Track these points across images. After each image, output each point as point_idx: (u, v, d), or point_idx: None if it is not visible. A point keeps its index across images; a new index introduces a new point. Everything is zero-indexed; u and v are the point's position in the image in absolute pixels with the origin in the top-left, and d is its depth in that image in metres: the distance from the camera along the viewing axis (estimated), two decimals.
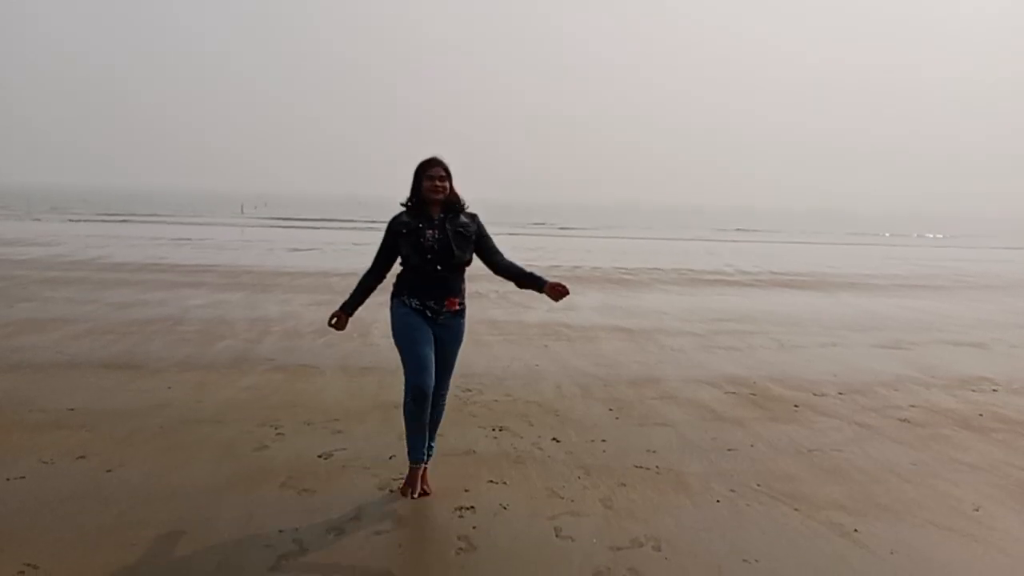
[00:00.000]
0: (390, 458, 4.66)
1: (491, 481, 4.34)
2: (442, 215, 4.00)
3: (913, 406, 6.25)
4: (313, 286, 13.71)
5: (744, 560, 3.46)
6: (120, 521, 3.70)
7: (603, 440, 5.16)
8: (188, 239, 25.70)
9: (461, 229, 4.00)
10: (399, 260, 4.03)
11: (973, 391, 6.83)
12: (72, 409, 5.55)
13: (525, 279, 4.17)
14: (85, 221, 36.20)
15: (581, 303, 12.07)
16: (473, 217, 4.10)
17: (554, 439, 5.14)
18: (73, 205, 56.31)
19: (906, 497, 4.28)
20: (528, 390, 6.42)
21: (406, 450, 4.10)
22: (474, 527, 3.72)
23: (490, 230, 4.24)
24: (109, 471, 4.35)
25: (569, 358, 7.90)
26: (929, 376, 7.40)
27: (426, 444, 4.11)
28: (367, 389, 6.38)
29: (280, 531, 3.62)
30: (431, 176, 3.95)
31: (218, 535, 3.58)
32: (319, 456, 4.70)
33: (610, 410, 5.93)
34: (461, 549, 3.49)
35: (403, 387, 3.97)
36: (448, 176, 4.00)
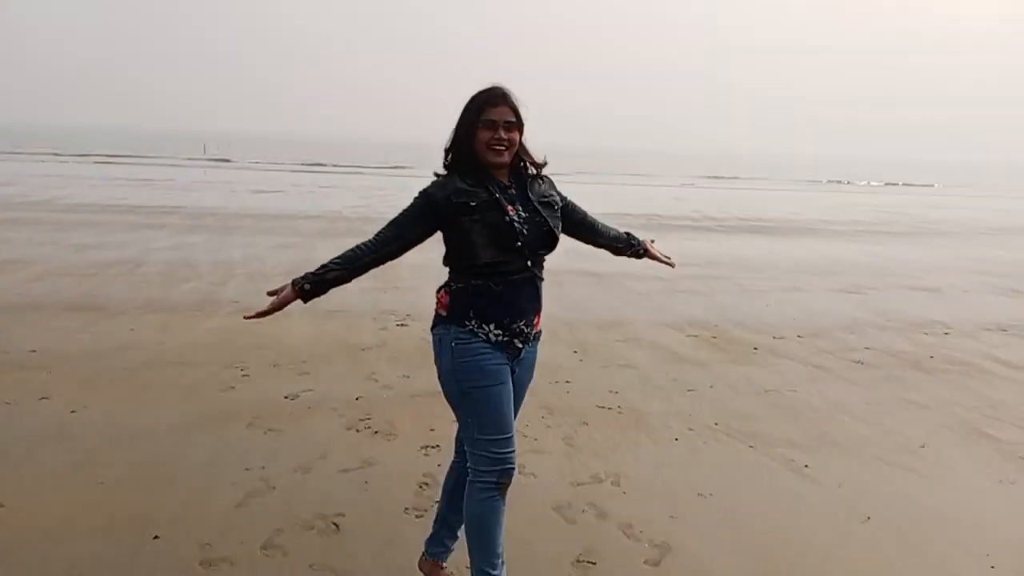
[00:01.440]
0: (357, 399, 4.71)
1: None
2: (511, 181, 2.52)
3: (868, 348, 6.44)
4: (279, 228, 13.55)
5: (699, 494, 3.59)
6: (85, 461, 3.72)
7: (567, 381, 5.26)
8: (149, 180, 25.12)
9: (547, 199, 2.56)
10: (449, 257, 2.49)
11: (926, 334, 7.04)
12: (34, 351, 5.50)
13: (632, 246, 2.95)
14: (39, 161, 35.10)
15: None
16: (548, 180, 2.65)
17: None
18: (22, 143, 54.28)
19: (856, 435, 4.44)
20: None
21: (427, 549, 2.83)
22: (439, 465, 3.80)
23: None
24: (73, 412, 4.35)
25: None
26: (884, 319, 7.61)
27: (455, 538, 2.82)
28: (334, 332, 6.39)
29: (247, 469, 3.67)
30: (491, 122, 2.41)
31: (184, 474, 3.62)
32: (286, 397, 4.73)
33: (575, 352, 6.03)
34: (425, 484, 3.57)
35: (455, 447, 2.88)
36: (519, 122, 2.46)
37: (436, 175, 2.52)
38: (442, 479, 3.60)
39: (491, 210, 2.39)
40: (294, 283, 2.39)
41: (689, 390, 5.18)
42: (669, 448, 4.16)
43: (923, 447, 4.28)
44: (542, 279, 2.55)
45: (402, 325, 6.75)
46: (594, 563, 2.95)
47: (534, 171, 2.57)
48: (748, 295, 8.81)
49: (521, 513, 3.31)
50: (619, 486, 3.64)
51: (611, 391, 5.09)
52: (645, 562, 2.98)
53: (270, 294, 2.43)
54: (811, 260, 11.91)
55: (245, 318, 2.46)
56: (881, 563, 3.04)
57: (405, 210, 2.49)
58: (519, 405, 2.62)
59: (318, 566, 2.88)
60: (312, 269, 2.42)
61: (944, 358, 6.20)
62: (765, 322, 7.34)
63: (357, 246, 2.49)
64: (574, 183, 27.00)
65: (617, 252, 2.94)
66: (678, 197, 27.35)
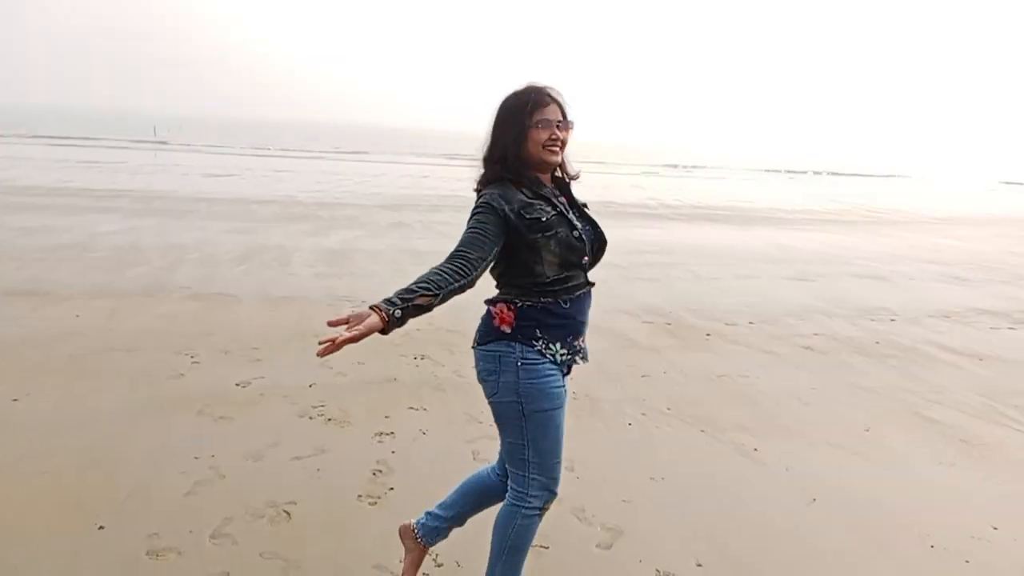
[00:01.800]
0: (310, 386, 4.66)
1: (411, 408, 4.41)
2: (557, 189, 2.38)
3: (817, 334, 6.59)
4: (231, 213, 13.30)
5: (651, 478, 3.65)
6: (29, 450, 3.62)
7: None
8: (97, 162, 24.41)
9: (585, 205, 2.47)
10: (510, 272, 2.28)
11: (872, 320, 7.23)
12: None
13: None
14: None
15: None
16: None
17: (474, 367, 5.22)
18: None
19: (804, 419, 4.55)
20: (451, 320, 6.46)
21: (421, 529, 2.60)
22: (393, 451, 3.79)
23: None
24: (16, 400, 4.22)
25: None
26: (833, 306, 7.79)
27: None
28: (287, 318, 6.31)
29: (196, 458, 3.61)
30: (547, 121, 2.24)
31: (131, 463, 3.54)
32: (237, 384, 4.66)
33: None
34: (379, 471, 3.56)
35: (500, 474, 2.57)
36: (567, 121, 2.31)
37: (479, 190, 2.28)
38: (396, 465, 3.64)
39: (562, 225, 2.25)
40: (378, 308, 1.97)
41: (643, 376, 5.24)
42: (623, 433, 4.21)
43: (867, 431, 4.40)
44: None
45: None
46: (547, 547, 2.97)
47: (566, 179, 2.41)
48: (702, 282, 8.93)
49: None
50: (573, 471, 3.67)
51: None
52: (597, 546, 3.02)
53: (333, 324, 1.94)
54: (763, 248, 12.12)
55: (321, 355, 1.92)
56: (827, 544, 3.12)
57: (479, 227, 2.17)
58: None
59: (268, 554, 2.85)
60: (395, 292, 2.02)
61: (889, 344, 6.38)
62: (718, 309, 7.45)
63: (439, 269, 2.09)
64: None
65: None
66: (636, 185, 27.56)
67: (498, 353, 2.27)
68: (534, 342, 2.24)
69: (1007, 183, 45.31)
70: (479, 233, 2.16)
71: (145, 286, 7.23)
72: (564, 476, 3.58)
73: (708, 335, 6.42)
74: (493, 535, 2.43)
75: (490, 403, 2.36)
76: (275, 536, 2.98)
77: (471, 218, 2.21)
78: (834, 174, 48.10)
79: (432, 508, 2.62)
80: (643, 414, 4.50)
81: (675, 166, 47.93)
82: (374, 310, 1.97)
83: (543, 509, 2.39)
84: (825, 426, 4.44)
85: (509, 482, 2.41)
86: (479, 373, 2.35)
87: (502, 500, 2.46)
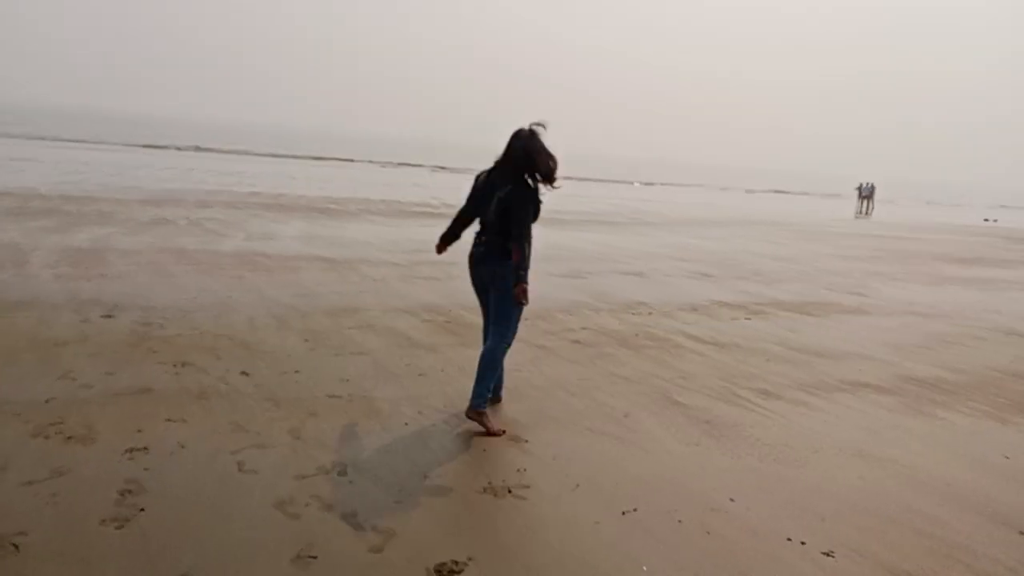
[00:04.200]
0: (46, 401, 4.16)
1: (169, 420, 4.07)
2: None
3: (584, 328, 6.99)
4: None
5: (425, 477, 3.66)
6: None
7: (296, 371, 5.08)
8: None
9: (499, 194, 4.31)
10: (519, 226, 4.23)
11: (633, 314, 7.81)
12: None
13: None
14: None
15: (282, 232, 11.61)
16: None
17: (243, 372, 4.95)
18: None
19: (571, 409, 4.80)
20: (218, 323, 6.07)
21: (477, 396, 4.26)
22: (146, 468, 3.47)
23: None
24: None
25: (266, 289, 7.60)
26: (599, 302, 8.32)
27: None
28: (20, 326, 5.58)
29: None
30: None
31: None
32: None
33: (306, 341, 5.84)
34: (128, 491, 3.24)
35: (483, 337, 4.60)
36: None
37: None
38: (149, 484, 3.35)
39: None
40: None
41: (420, 374, 5.25)
42: (398, 433, 4.18)
43: (626, 416, 4.73)
44: None
45: (108, 316, 6.06)
46: (315, 557, 2.87)
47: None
48: None
49: (239, 514, 3.14)
50: (345, 475, 3.59)
51: (342, 379, 5.00)
52: (369, 550, 2.97)
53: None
54: (539, 247, 12.62)
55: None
56: (588, 527, 3.30)
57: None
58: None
59: None
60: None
61: (646, 335, 6.92)
62: None
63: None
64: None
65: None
66: (418, 184, 27.68)
67: (526, 269, 4.32)
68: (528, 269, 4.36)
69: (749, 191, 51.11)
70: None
71: None
72: (335, 481, 3.53)
73: None
74: (481, 362, 4.33)
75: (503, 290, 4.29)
76: (0, 572, 2.61)
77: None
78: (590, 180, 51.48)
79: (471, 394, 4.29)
80: (420, 412, 4.51)
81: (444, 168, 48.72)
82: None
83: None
84: (590, 414, 4.71)
85: (492, 331, 4.38)
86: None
87: None
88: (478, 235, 4.40)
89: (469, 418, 4.27)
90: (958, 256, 16.72)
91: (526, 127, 4.15)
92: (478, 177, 4.38)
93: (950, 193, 73.79)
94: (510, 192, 4.14)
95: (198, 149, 41.58)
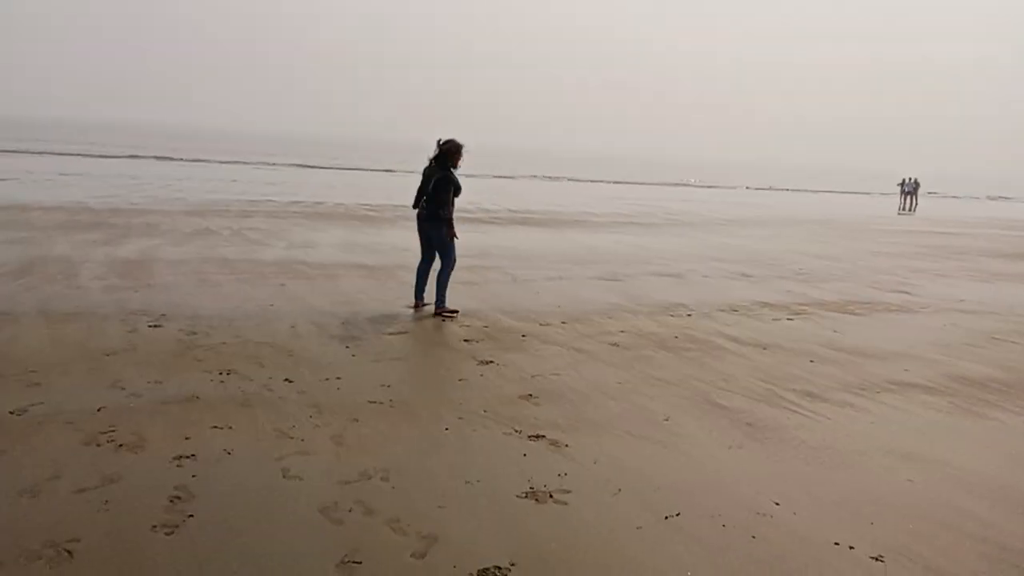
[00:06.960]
0: (98, 410, 4.27)
1: (215, 427, 4.15)
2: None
3: (622, 331, 6.96)
4: (5, 221, 11.94)
5: (467, 482, 3.67)
6: None
7: (338, 377, 5.14)
8: None
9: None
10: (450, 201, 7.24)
11: (671, 316, 7.75)
12: None
13: None
14: None
15: (322, 240, 11.77)
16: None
17: (286, 379, 5.03)
18: None
19: (610, 412, 4.78)
20: (260, 331, 6.18)
21: (440, 300, 7.20)
22: (194, 475, 3.54)
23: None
24: None
25: (307, 296, 7.71)
26: (637, 304, 8.27)
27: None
28: (72, 337, 5.74)
29: None
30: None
31: None
32: (11, 412, 4.18)
33: (347, 347, 5.91)
34: (177, 498, 3.31)
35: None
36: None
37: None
38: (197, 490, 3.41)
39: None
40: None
41: (460, 379, 5.28)
42: (439, 438, 4.21)
43: (666, 420, 4.70)
44: None
45: (155, 326, 6.20)
46: (359, 563, 2.90)
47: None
48: (517, 285, 9.17)
49: (285, 519, 3.19)
50: (388, 480, 3.62)
51: (383, 385, 5.05)
52: (412, 555, 2.98)
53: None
54: (575, 250, 12.65)
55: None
56: (630, 532, 3.28)
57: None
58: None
59: None
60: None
61: (686, 337, 6.86)
62: (532, 310, 7.67)
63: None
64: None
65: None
66: None
67: (443, 224, 7.20)
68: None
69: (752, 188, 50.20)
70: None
71: None
72: (378, 486, 3.57)
73: (523, 336, 6.59)
74: (439, 279, 7.24)
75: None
76: None
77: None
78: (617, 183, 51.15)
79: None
80: (460, 418, 4.53)
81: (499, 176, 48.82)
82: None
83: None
84: (629, 418, 4.69)
85: (442, 261, 7.30)
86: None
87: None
88: (423, 203, 7.20)
89: (438, 314, 7.09)
90: (1005, 251, 16.31)
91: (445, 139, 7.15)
92: (424, 168, 7.23)
93: (946, 185, 71.14)
94: (438, 177, 7.05)
95: (240, 163, 42.31)
